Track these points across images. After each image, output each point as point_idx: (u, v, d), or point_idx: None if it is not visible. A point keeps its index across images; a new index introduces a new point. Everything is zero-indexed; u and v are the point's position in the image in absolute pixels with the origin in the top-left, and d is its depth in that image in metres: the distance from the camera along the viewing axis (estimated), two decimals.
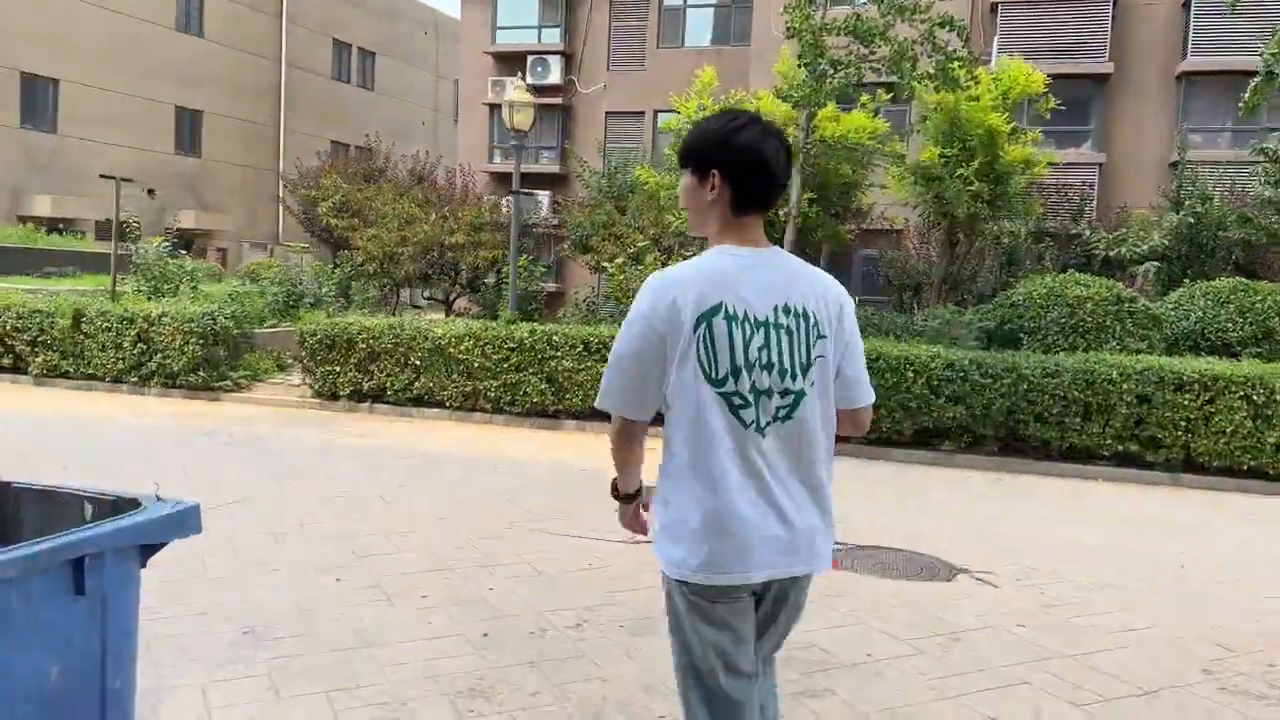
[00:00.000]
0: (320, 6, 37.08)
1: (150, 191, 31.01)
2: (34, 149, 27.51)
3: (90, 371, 12.07)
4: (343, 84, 38.64)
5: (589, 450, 9.28)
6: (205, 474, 7.55)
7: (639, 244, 14.32)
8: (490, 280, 17.27)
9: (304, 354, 11.70)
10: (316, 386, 11.54)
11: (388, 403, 11.25)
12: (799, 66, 10.88)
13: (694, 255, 2.28)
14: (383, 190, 17.68)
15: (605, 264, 13.27)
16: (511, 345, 10.74)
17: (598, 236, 15.89)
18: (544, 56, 24.84)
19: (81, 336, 12.03)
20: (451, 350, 10.86)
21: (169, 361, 11.74)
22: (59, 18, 27.98)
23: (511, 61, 24.84)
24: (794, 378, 2.19)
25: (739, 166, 2.21)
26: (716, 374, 2.14)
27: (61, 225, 25.47)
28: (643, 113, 24.38)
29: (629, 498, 2.44)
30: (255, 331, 13.52)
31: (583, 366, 10.38)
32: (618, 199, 16.89)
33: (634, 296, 2.21)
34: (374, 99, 39.42)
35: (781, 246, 2.52)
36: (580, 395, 10.39)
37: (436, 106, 42.55)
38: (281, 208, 35.00)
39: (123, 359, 11.90)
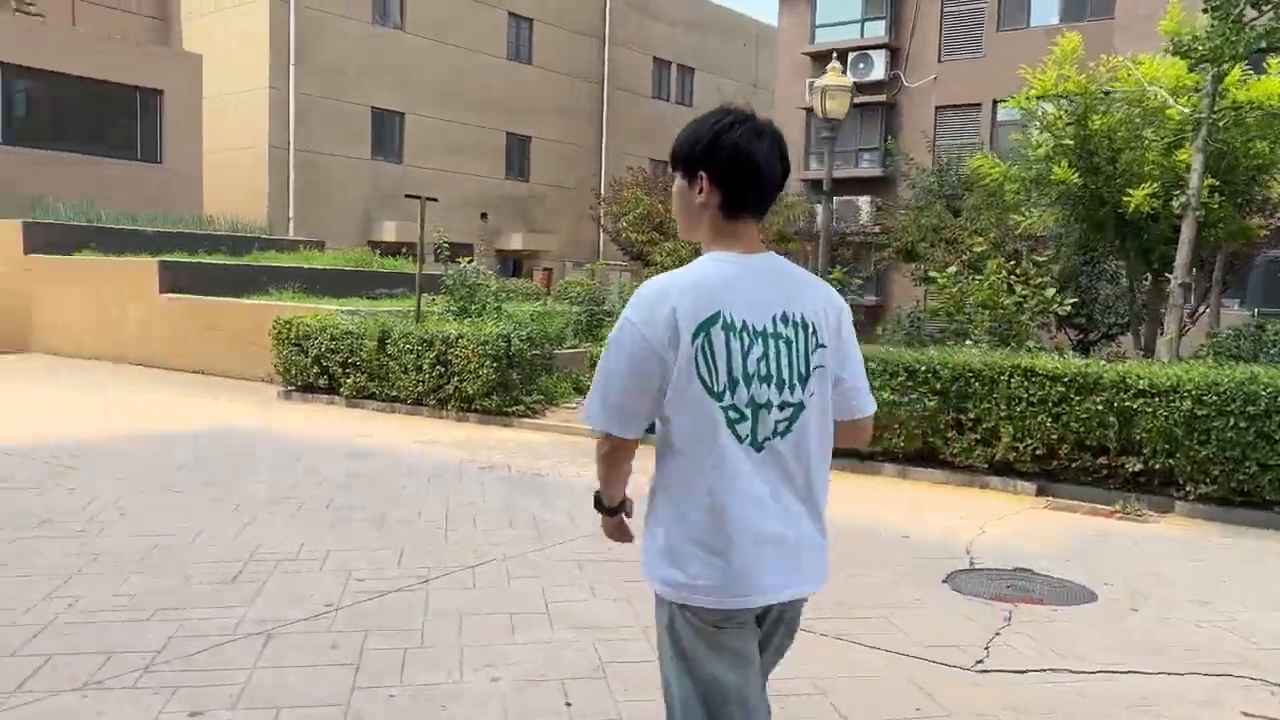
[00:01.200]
0: (641, 27, 37.50)
1: (484, 216, 32.57)
2: (382, 178, 29.67)
3: (393, 394, 11.93)
4: (661, 101, 38.84)
5: (935, 507, 7.40)
6: (463, 523, 6.60)
7: (976, 249, 12.11)
8: None
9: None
10: None
11: None
12: (1206, 10, 8.32)
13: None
14: None
15: (933, 274, 11.26)
16: None
17: (925, 242, 13.79)
18: (866, 52, 22.93)
19: (386, 358, 11.91)
20: None
21: (465, 385, 11.28)
22: (405, 56, 30.08)
23: (830, 61, 23.10)
24: (793, 389, 2.12)
25: (726, 169, 2.13)
26: (716, 386, 2.06)
27: (404, 249, 27.16)
28: (978, 105, 21.74)
29: (615, 510, 2.38)
30: (556, 352, 12.91)
31: (905, 400, 8.47)
32: (950, 199, 14.66)
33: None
34: (691, 114, 39.07)
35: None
36: (903, 435, 8.50)
37: None
38: (600, 227, 35.66)
39: (423, 381, 11.63)
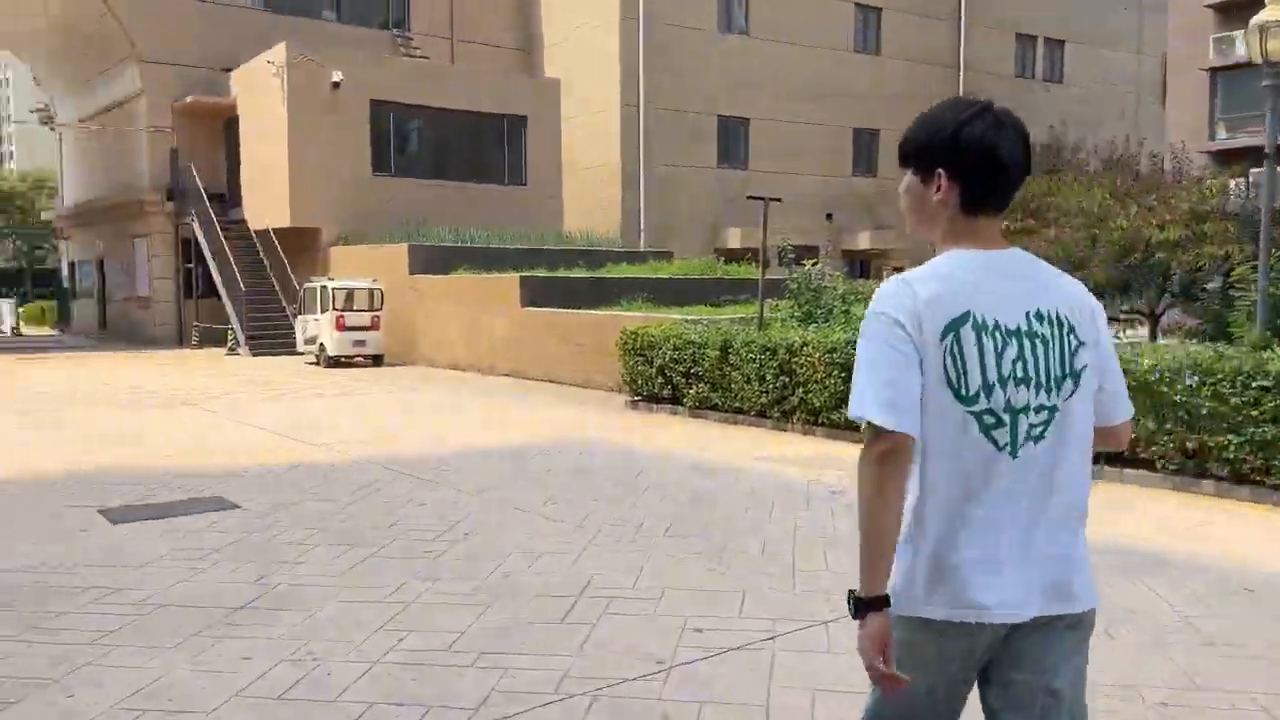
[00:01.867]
0: (1000, 2, 34.59)
1: (829, 216, 31.51)
2: (728, 185, 29.61)
3: (736, 405, 11.33)
4: (1026, 80, 35.57)
5: None
6: (812, 559, 5.72)
7: None
8: (1213, 285, 13.10)
9: None
10: None
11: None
12: None
13: None
14: (1066, 181, 14.56)
15: None
16: (1264, 382, 7.14)
17: None
18: None
19: (728, 368, 11.35)
20: (1162, 389, 7.62)
21: (810, 396, 10.40)
22: (750, 60, 29.86)
23: (1242, 10, 19.54)
24: (1050, 391, 1.93)
25: (969, 164, 1.97)
26: (967, 390, 1.89)
27: (749, 254, 26.85)
28: None
29: (877, 603, 1.88)
30: None
31: None
32: None
33: None
34: (1060, 92, 35.61)
35: None
36: None
37: (1138, 88, 36.99)
38: None
39: (766, 392, 10.91)
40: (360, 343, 18.90)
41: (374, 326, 19.03)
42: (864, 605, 1.89)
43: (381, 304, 19.17)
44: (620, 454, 9.33)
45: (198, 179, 24.31)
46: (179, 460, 9.06)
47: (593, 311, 15.62)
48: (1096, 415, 2.04)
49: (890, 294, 1.95)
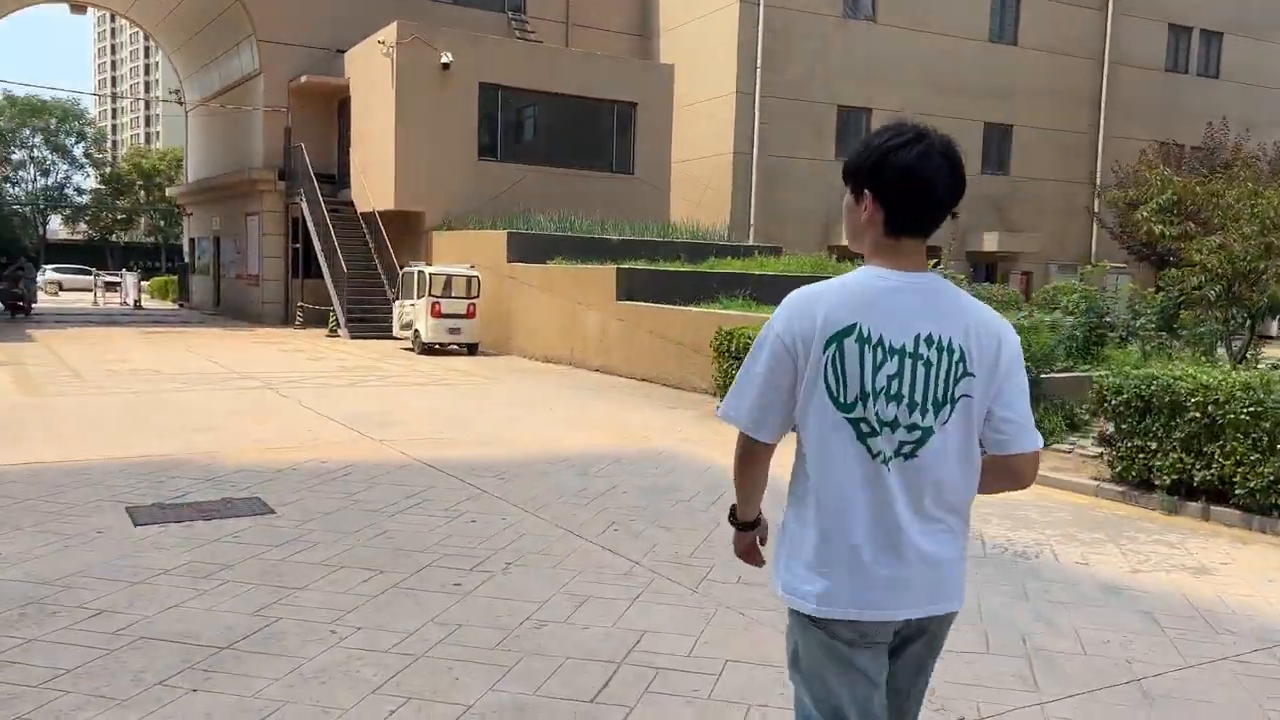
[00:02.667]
0: None
1: (953, 214, 29.64)
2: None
3: None
4: (1178, 75, 32.89)
5: None
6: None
7: None
8: None
9: (1102, 416, 8.17)
10: (1119, 468, 7.88)
11: (1237, 506, 7.07)
12: None
13: None
14: (1235, 182, 12.82)
15: None
16: None
17: None
18: None
19: None
20: None
21: None
22: (874, 48, 28.32)
23: None
24: (924, 413, 2.05)
25: (892, 189, 2.08)
26: (845, 398, 2.06)
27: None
28: None
29: (747, 525, 2.40)
30: (1043, 376, 10.35)
31: None
32: None
33: None
34: (1215, 87, 32.79)
35: None
36: None
37: None
38: (1095, 223, 30.96)
39: None
40: (455, 330, 18.41)
41: (469, 315, 18.51)
42: (741, 525, 2.40)
43: (478, 292, 18.65)
44: (701, 473, 8.37)
45: (307, 159, 24.32)
46: (237, 451, 8.53)
47: (689, 308, 14.67)
48: (989, 443, 2.13)
49: (786, 308, 2.11)
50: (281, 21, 25.51)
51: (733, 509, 2.39)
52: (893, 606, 2.10)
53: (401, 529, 6.24)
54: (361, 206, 24.16)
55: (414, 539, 6.02)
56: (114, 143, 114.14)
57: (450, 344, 18.64)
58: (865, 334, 2.04)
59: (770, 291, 16.33)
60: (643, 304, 15.57)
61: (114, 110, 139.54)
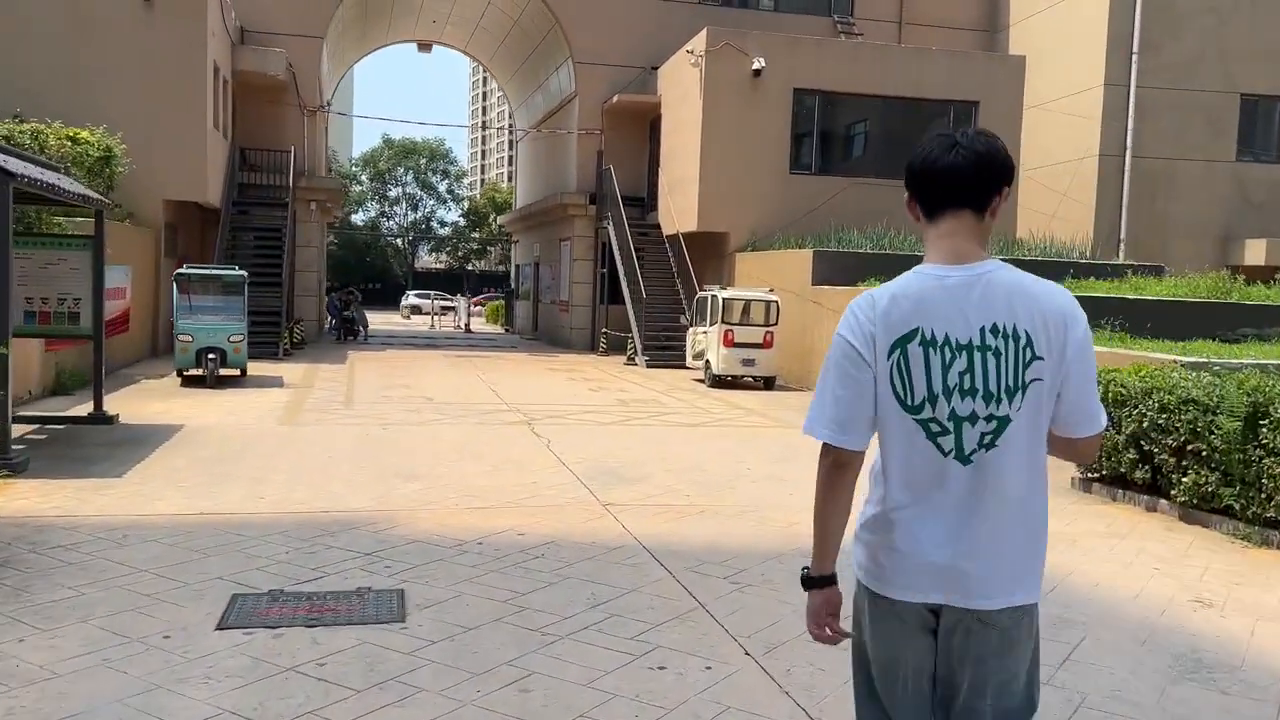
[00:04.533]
0: None
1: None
2: (1249, 183, 22.80)
3: (1271, 514, 6.79)
4: None
5: None
6: None
7: None
8: None
9: None
10: None
11: None
12: None
13: None
14: None
15: None
16: None
17: None
18: None
19: (1259, 450, 6.84)
20: None
21: None
22: None
23: None
24: (999, 402, 2.08)
25: (917, 181, 2.23)
26: (912, 400, 2.09)
27: (1277, 276, 20.17)
28: None
29: (823, 580, 2.28)
30: None
31: None
32: None
33: None
34: None
35: None
36: None
37: None
38: None
39: None
40: (749, 362, 16.29)
41: (766, 344, 16.31)
42: (811, 582, 2.30)
43: (777, 319, 16.41)
44: (1087, 601, 5.52)
45: (615, 181, 23.42)
46: (435, 510, 6.92)
47: None
48: (1056, 424, 2.15)
49: (851, 314, 2.17)
50: (596, 41, 24.97)
51: (804, 572, 2.31)
52: (934, 592, 2.12)
53: (550, 672, 4.11)
54: (667, 229, 22.85)
55: (559, 695, 3.87)
56: (482, 180, 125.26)
57: (744, 376, 16.54)
58: (929, 337, 2.08)
59: (1151, 321, 12.63)
60: None
61: (483, 151, 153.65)
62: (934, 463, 2.09)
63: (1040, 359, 2.07)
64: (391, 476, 8.05)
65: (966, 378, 2.06)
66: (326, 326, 27.53)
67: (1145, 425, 7.79)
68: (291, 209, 21.24)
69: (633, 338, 21.18)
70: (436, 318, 37.94)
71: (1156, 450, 7.72)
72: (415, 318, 45.52)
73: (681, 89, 22.13)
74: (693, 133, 21.10)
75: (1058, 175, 23.70)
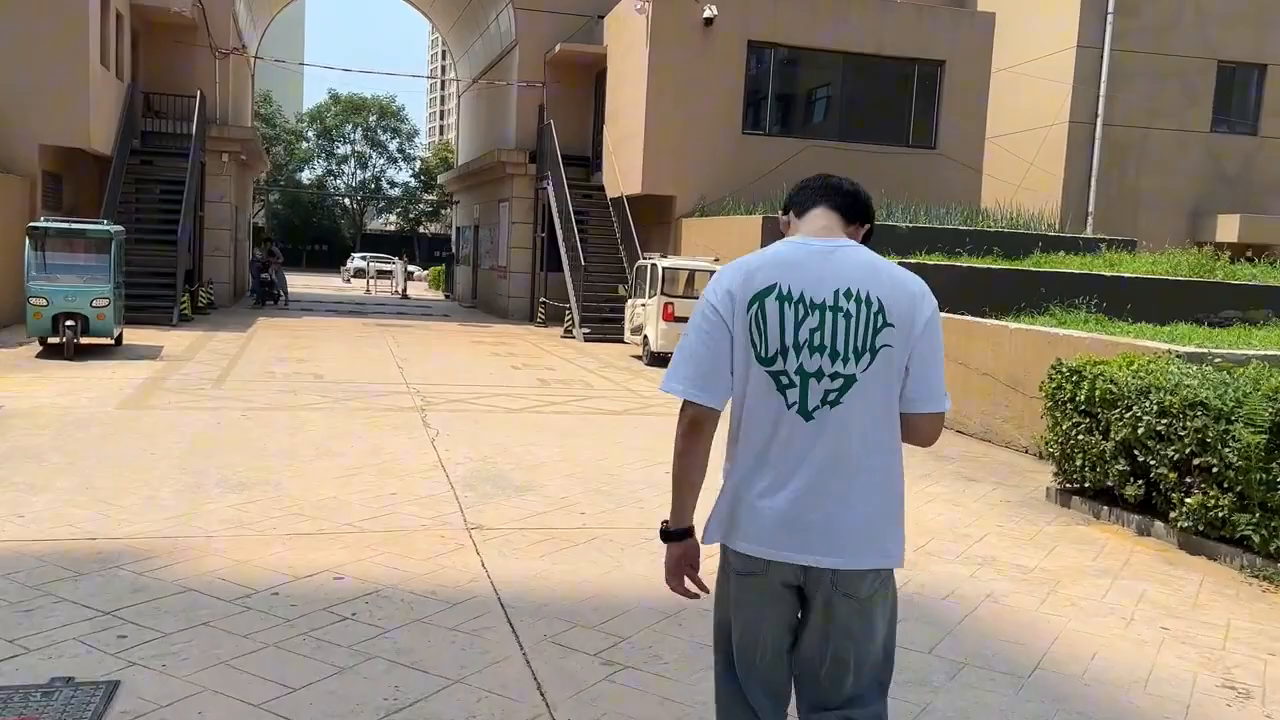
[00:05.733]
0: None
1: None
2: (1224, 156, 21.62)
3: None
4: None
5: None
6: None
7: None
8: None
9: None
10: None
11: None
12: None
13: None
14: None
15: None
16: None
17: None
18: None
19: None
20: None
21: None
22: None
23: None
24: (846, 361, 2.16)
25: (798, 194, 2.41)
26: (766, 352, 2.18)
27: (1251, 253, 19.00)
28: None
29: (680, 534, 2.32)
30: None
31: None
32: None
33: None
34: None
35: None
36: None
37: None
38: None
39: None
40: None
41: None
42: (669, 535, 2.34)
43: None
44: (1001, 659, 4.11)
45: (555, 138, 21.69)
46: (232, 541, 5.35)
47: (1006, 323, 10.05)
48: (901, 401, 2.23)
49: (717, 277, 2.28)
50: None
51: (664, 525, 2.35)
52: (787, 549, 2.18)
53: None
54: (611, 191, 21.22)
55: None
56: (442, 141, 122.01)
57: None
58: (785, 292, 2.18)
59: (1128, 302, 11.30)
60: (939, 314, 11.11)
61: (442, 112, 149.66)
62: (779, 415, 2.18)
63: (891, 326, 2.17)
64: (213, 485, 6.45)
65: (817, 335, 2.16)
66: (249, 290, 25.59)
67: (1140, 431, 6.39)
68: (194, 159, 19.21)
69: (570, 308, 19.58)
70: (373, 282, 35.96)
71: (1154, 463, 6.34)
72: (356, 281, 43.39)
73: (628, 38, 20.41)
74: (638, 86, 19.43)
75: (1025, 143, 22.38)
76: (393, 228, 77.33)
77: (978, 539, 6.17)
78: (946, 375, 2.30)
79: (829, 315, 2.15)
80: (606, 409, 10.68)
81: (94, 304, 12.21)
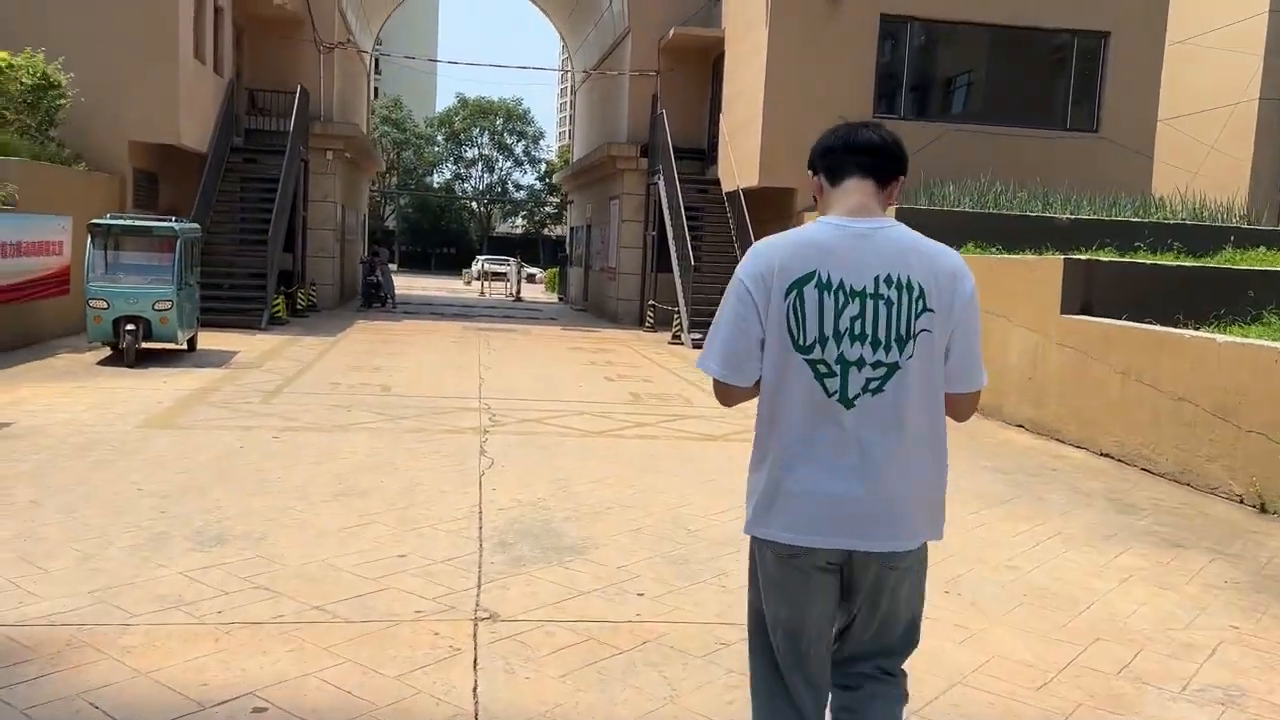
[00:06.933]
0: None
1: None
2: None
3: None
4: None
5: None
6: None
7: None
8: None
9: None
10: None
11: None
12: None
13: None
14: None
15: None
16: None
17: None
18: None
19: None
20: None
21: None
22: None
23: None
24: (888, 349, 2.15)
25: (828, 154, 2.31)
26: (804, 340, 2.15)
27: None
28: None
29: None
30: None
31: None
32: None
33: None
34: None
35: None
36: None
37: None
38: None
39: None
40: None
41: None
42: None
43: None
44: None
45: (667, 129, 20.12)
46: (143, 635, 3.98)
47: (1215, 335, 7.91)
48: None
49: (750, 257, 2.24)
50: None
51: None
52: (834, 536, 2.17)
53: None
54: (726, 185, 19.53)
55: None
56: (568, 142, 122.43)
57: None
58: (825, 279, 2.14)
59: None
60: (1111, 321, 9.00)
61: (572, 116, 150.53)
62: (818, 404, 2.16)
63: (931, 311, 2.16)
64: (184, 537, 5.12)
65: (858, 323, 2.14)
66: (359, 292, 25.02)
67: None
68: (290, 155, 18.46)
69: (679, 312, 17.98)
70: (487, 284, 35.20)
71: None
72: (477, 284, 42.95)
73: (747, 16, 18.68)
74: (757, 69, 17.67)
75: (1204, 125, 19.55)
76: (519, 230, 77.43)
77: (1207, 652, 4.26)
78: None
79: (870, 303, 2.14)
80: (702, 431, 9.03)
81: (157, 307, 11.31)
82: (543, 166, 73.43)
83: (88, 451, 6.94)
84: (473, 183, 72.52)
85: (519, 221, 78.37)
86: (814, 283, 2.12)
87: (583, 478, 6.94)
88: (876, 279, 2.12)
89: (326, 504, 5.91)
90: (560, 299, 32.63)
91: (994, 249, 12.15)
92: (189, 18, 16.09)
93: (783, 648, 2.26)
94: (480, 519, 5.73)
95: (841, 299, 2.12)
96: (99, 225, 11.39)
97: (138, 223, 11.72)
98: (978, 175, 15.61)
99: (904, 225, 2.23)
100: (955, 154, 16.54)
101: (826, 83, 17.02)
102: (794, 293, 2.13)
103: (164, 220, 12.14)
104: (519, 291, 32.52)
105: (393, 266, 26.74)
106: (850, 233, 2.17)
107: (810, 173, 2.36)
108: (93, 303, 11.17)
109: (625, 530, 5.66)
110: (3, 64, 12.83)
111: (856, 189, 2.24)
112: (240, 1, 19.42)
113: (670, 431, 9.05)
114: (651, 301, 20.64)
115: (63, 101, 13.81)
